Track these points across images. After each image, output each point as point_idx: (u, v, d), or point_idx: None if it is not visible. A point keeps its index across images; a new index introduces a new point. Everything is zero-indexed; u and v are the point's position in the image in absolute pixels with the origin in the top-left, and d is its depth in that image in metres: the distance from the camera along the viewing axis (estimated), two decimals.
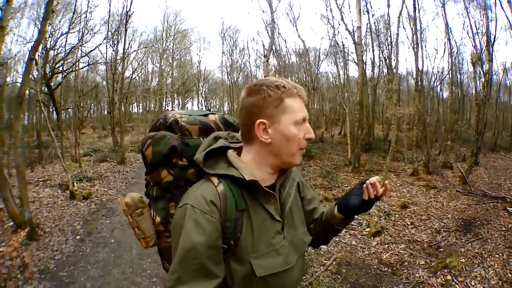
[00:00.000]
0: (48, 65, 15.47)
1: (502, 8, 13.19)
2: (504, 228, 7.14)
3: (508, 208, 8.17)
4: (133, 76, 27.72)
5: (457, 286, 4.94)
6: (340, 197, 1.63)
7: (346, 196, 1.55)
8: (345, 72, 23.20)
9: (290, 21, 25.82)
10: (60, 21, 17.47)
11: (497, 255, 5.75)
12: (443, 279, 5.20)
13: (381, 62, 22.64)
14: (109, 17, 18.85)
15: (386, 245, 6.89)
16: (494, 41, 14.45)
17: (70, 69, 18.05)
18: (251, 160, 1.38)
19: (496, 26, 19.13)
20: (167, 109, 37.53)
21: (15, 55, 18.47)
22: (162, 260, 1.65)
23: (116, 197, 10.11)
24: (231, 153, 1.41)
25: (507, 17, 13.35)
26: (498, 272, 5.13)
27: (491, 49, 14.39)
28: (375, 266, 6.02)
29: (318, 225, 1.71)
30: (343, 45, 21.88)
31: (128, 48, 20.15)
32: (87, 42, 18.21)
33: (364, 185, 1.45)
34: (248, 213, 1.32)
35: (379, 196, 1.45)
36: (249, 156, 1.40)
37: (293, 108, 1.32)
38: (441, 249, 6.65)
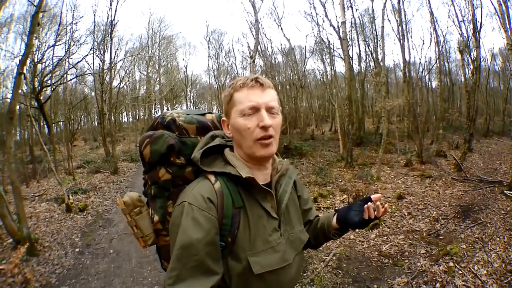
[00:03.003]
0: (36, 79, 15.40)
1: None
2: (503, 212, 7.19)
3: (505, 191, 8.22)
4: (121, 85, 27.68)
5: (460, 272, 4.96)
6: (339, 209, 1.63)
7: (347, 209, 1.55)
8: (332, 68, 23.27)
9: (275, 20, 25.94)
10: (46, 34, 17.46)
11: (498, 239, 5.78)
12: (446, 266, 5.21)
13: (367, 56, 22.90)
14: (94, 27, 18.95)
15: (385, 237, 6.90)
16: (480, 28, 14.58)
17: (59, 82, 18.00)
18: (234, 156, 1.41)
19: (482, 13, 19.27)
20: None
21: (4, 71, 18.32)
22: (161, 259, 1.65)
23: (112, 208, 10.09)
24: (227, 151, 1.43)
25: (492, 3, 13.47)
26: (500, 255, 5.15)
27: (478, 36, 14.53)
28: (375, 259, 6.04)
29: (311, 229, 1.71)
30: (329, 41, 22.04)
31: (114, 58, 20.16)
32: (73, 53, 18.29)
33: (366, 205, 1.45)
34: (245, 211, 1.32)
35: (379, 217, 1.47)
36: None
37: (239, 100, 1.34)
38: (441, 237, 6.67)
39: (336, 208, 1.71)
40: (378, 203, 1.43)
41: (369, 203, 1.44)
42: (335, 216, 1.60)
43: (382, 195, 1.53)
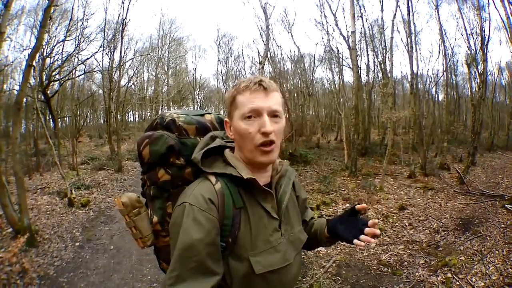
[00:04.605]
0: (44, 73, 15.44)
1: (496, 7, 13.28)
2: (503, 225, 7.18)
3: (506, 205, 8.21)
4: (129, 85, 27.65)
5: (458, 283, 4.96)
6: (330, 219, 1.63)
7: (337, 220, 1.56)
8: (340, 77, 23.14)
9: (285, 27, 25.88)
10: (56, 29, 17.47)
11: (496, 252, 5.78)
12: (444, 277, 5.22)
13: (375, 67, 22.86)
14: (105, 25, 19.01)
15: (385, 246, 6.90)
16: (488, 41, 14.53)
17: (67, 77, 18.05)
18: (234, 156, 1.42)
19: (490, 26, 19.26)
20: None
21: (12, 62, 18.35)
22: (159, 259, 1.66)
23: (114, 205, 10.06)
24: (228, 152, 1.44)
25: (500, 17, 13.48)
26: (498, 267, 5.15)
27: (485, 49, 14.47)
28: (374, 267, 6.04)
29: (306, 232, 1.69)
30: (338, 50, 21.98)
31: (124, 56, 20.17)
32: (83, 50, 18.23)
33: (358, 240, 1.39)
34: (245, 211, 1.33)
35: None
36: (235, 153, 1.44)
37: (242, 103, 1.33)
38: (440, 248, 6.67)
39: (327, 218, 1.68)
40: (366, 236, 1.38)
41: (361, 236, 1.38)
42: (327, 226, 1.61)
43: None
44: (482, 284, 4.81)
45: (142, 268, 5.96)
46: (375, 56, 22.05)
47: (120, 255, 6.59)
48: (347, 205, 9.53)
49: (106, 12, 21.33)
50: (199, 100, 46.92)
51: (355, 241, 1.39)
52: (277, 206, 1.43)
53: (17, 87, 16.00)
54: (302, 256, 6.06)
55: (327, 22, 21.26)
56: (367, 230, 1.39)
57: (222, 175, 1.34)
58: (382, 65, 20.21)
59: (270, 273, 1.30)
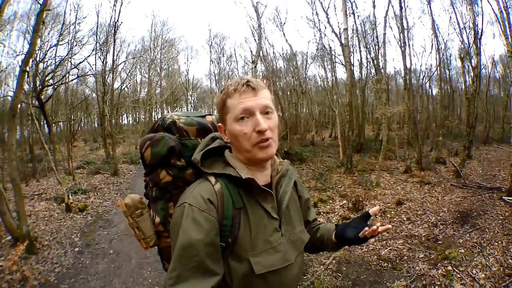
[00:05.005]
0: (38, 78, 15.39)
1: (488, 1, 13.32)
2: (501, 217, 7.24)
3: (504, 197, 8.26)
4: (122, 87, 27.57)
5: (458, 275, 4.99)
6: (340, 224, 1.63)
7: (345, 226, 1.56)
8: (333, 74, 23.25)
9: (277, 26, 25.83)
10: (49, 33, 17.45)
11: (496, 243, 5.83)
12: (444, 270, 5.24)
13: (368, 63, 22.90)
14: (97, 28, 18.99)
15: (384, 242, 6.91)
16: (481, 35, 14.63)
17: (60, 82, 17.98)
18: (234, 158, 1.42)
19: (482, 20, 19.35)
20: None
21: (5, 68, 18.32)
22: (163, 260, 1.66)
23: (112, 209, 10.07)
24: (227, 153, 1.45)
25: (493, 11, 13.53)
26: (498, 259, 5.20)
27: (478, 43, 14.57)
28: (374, 262, 6.06)
29: (311, 235, 1.69)
30: (330, 47, 22.05)
31: (116, 59, 20.14)
32: (76, 54, 18.22)
33: (364, 229, 1.41)
34: (245, 211, 1.33)
35: (375, 235, 1.44)
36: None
37: (232, 106, 1.34)
38: (440, 242, 6.69)
39: (337, 224, 1.68)
40: (374, 226, 1.39)
41: (365, 228, 1.41)
42: (335, 231, 1.61)
43: (381, 204, 1.50)
44: (483, 275, 4.85)
45: (143, 271, 5.95)
46: (367, 52, 22.15)
47: (120, 259, 6.58)
48: (344, 201, 9.53)
49: (98, 15, 21.44)
50: (192, 101, 46.87)
51: (365, 229, 1.40)
52: (278, 206, 1.42)
53: (11, 93, 16.01)
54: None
55: (319, 20, 21.39)
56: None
57: (222, 175, 1.34)
58: (375, 61, 20.32)
59: (270, 274, 1.30)
